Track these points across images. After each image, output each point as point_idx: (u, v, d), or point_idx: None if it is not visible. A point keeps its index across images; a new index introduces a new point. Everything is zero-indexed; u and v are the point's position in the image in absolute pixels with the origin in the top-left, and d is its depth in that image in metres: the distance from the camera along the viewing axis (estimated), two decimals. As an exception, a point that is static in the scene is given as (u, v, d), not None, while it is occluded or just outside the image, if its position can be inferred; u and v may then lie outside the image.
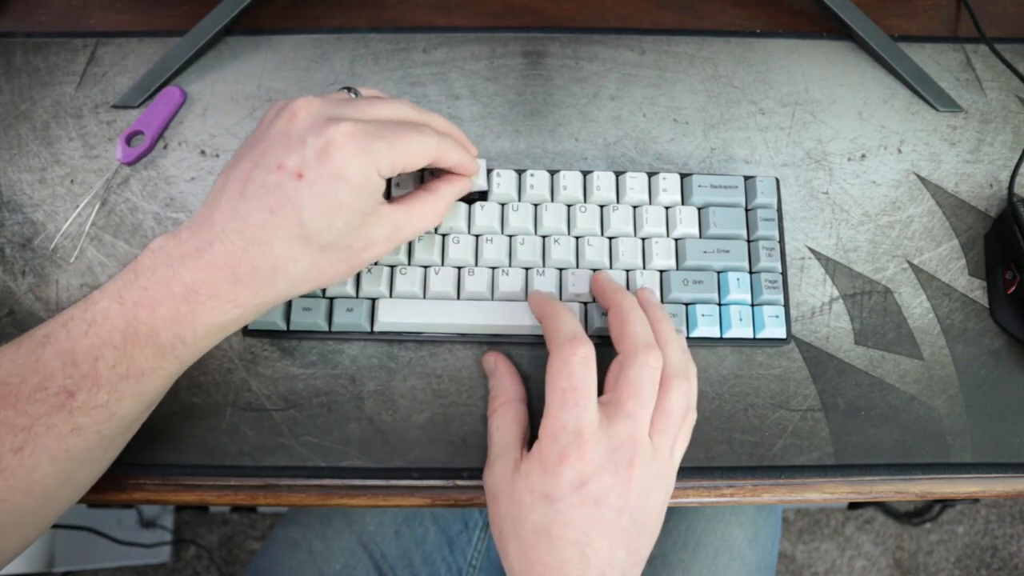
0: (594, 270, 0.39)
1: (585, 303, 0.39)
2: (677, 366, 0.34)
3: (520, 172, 0.41)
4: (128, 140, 0.43)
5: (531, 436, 0.34)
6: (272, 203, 0.30)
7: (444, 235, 0.39)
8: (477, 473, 0.37)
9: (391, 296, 0.38)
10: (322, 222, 0.30)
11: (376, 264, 0.39)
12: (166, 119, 0.44)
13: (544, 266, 0.39)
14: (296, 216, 0.30)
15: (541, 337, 0.38)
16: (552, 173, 0.41)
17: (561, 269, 0.39)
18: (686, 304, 0.39)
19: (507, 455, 0.33)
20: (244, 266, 0.30)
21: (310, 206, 0.30)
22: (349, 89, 0.35)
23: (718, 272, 0.39)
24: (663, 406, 0.33)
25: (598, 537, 0.31)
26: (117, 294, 0.30)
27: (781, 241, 0.40)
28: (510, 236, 0.40)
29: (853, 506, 1.15)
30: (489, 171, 0.41)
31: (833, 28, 0.48)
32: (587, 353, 0.33)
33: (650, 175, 0.41)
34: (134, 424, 0.32)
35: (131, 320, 0.29)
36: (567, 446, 0.31)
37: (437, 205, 0.35)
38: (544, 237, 0.40)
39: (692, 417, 0.35)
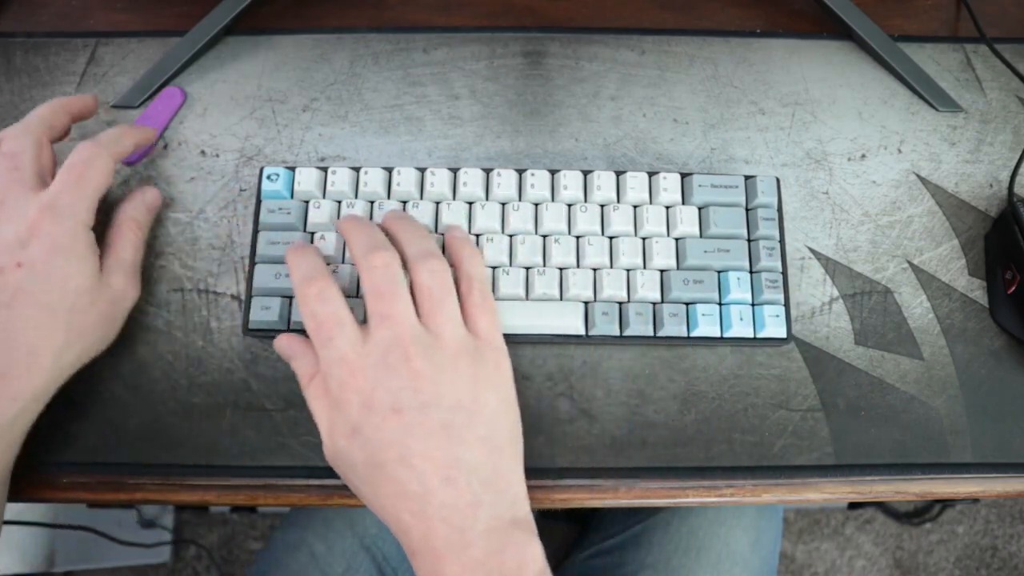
0: (595, 269, 0.39)
1: (585, 302, 0.39)
2: (416, 251, 0.33)
3: (520, 172, 0.41)
4: None
5: None
6: (6, 299, 0.32)
7: (444, 235, 0.39)
8: (477, 473, 0.37)
9: (391, 296, 0.38)
10: (59, 292, 0.33)
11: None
12: (167, 120, 0.44)
13: (544, 266, 0.39)
14: (32, 298, 0.32)
15: (542, 337, 0.38)
16: (552, 173, 0.41)
17: (561, 269, 0.39)
18: (686, 304, 0.39)
19: (327, 425, 0.33)
20: (3, 361, 0.32)
21: (42, 283, 0.32)
22: None
23: (718, 272, 0.39)
24: (417, 291, 0.32)
25: (417, 443, 0.30)
26: None
27: (781, 241, 0.40)
28: (510, 236, 0.40)
29: (853, 506, 1.15)
30: (489, 171, 0.41)
31: (833, 28, 0.48)
32: (321, 287, 0.32)
33: (650, 175, 0.41)
34: None
35: None
36: (340, 375, 0.31)
37: (139, 224, 0.38)
38: (544, 237, 0.40)
39: (478, 287, 0.34)
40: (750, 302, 0.39)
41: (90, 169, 0.35)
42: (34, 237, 0.33)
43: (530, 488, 0.37)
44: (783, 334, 0.38)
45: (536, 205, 0.40)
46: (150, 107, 0.44)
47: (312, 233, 0.39)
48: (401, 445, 0.30)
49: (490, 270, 0.39)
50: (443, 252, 0.37)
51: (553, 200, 0.41)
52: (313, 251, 0.35)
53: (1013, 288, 0.39)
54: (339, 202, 0.40)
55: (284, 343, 0.36)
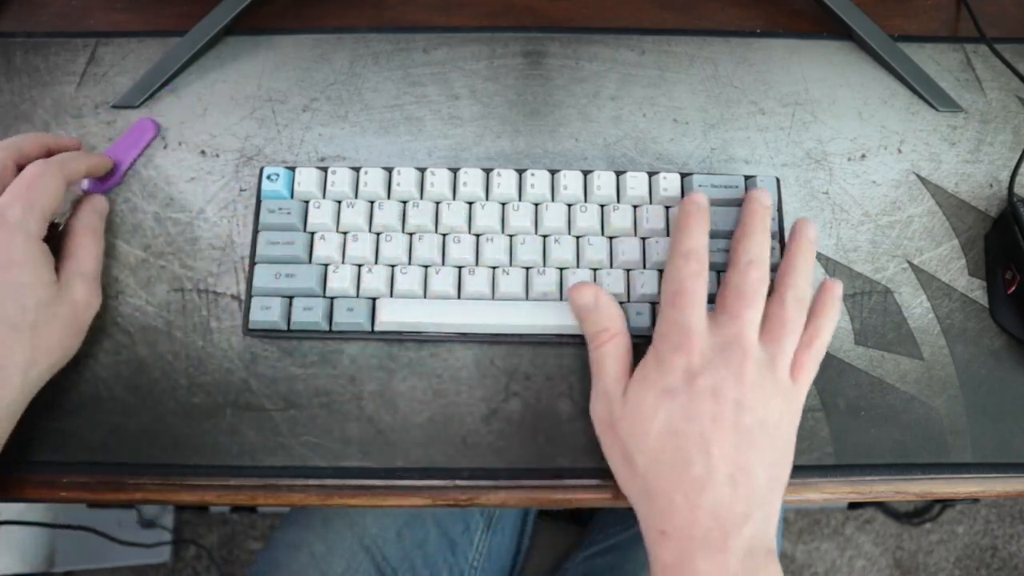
0: (595, 269, 0.39)
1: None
2: (796, 286, 0.34)
3: (520, 172, 0.41)
4: None
5: None
6: None
7: (445, 235, 0.39)
8: (477, 473, 0.37)
9: (391, 295, 0.38)
10: (17, 306, 0.33)
11: (376, 263, 0.39)
12: (138, 152, 0.43)
13: (544, 266, 0.39)
14: None
15: (542, 337, 0.38)
16: (552, 173, 0.41)
17: (562, 269, 0.39)
18: (686, 304, 0.39)
19: (620, 381, 0.34)
20: None
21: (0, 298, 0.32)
22: None
23: (718, 272, 0.39)
24: (772, 312, 0.34)
25: (720, 433, 0.30)
26: None
27: (781, 241, 0.40)
28: (510, 236, 0.40)
29: (853, 506, 1.15)
30: (489, 171, 0.41)
31: (833, 28, 0.48)
32: (699, 269, 0.34)
33: (650, 175, 0.41)
34: None
35: None
36: (678, 339, 0.32)
37: (95, 232, 0.38)
38: (544, 237, 0.40)
39: (819, 345, 0.35)
40: (750, 302, 0.39)
41: (39, 185, 0.35)
42: None
43: (530, 488, 0.37)
44: (783, 334, 0.38)
45: (536, 205, 0.40)
46: (120, 138, 0.43)
47: (312, 233, 0.39)
48: (707, 426, 0.31)
49: (490, 270, 0.39)
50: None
51: (553, 200, 0.41)
52: (706, 231, 0.35)
53: (1013, 288, 0.39)
54: (339, 202, 0.40)
55: (591, 293, 0.36)
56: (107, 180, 0.42)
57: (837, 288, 0.36)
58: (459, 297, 0.38)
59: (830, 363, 0.39)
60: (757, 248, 0.35)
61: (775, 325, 0.33)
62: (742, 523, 0.30)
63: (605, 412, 0.34)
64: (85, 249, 0.37)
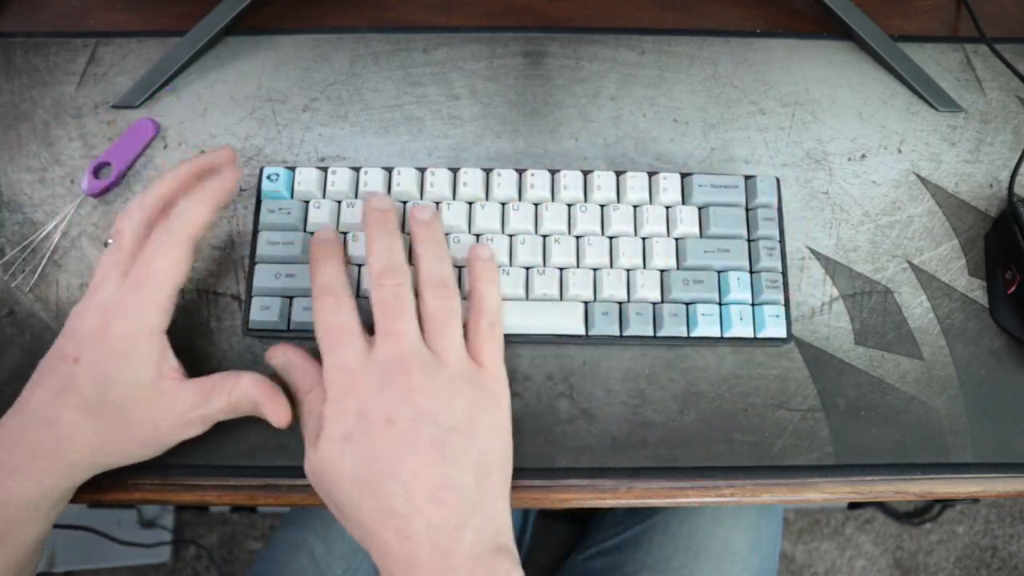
0: (595, 269, 0.39)
1: (585, 302, 0.39)
2: (429, 274, 0.34)
3: (520, 172, 0.41)
4: (96, 171, 0.42)
5: None
6: (57, 386, 0.32)
7: (445, 235, 0.39)
8: (477, 473, 0.37)
9: (391, 296, 0.38)
10: (95, 393, 0.32)
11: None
12: (137, 152, 0.43)
13: (544, 266, 0.39)
14: (77, 393, 0.32)
15: (542, 337, 0.38)
16: (552, 173, 0.41)
17: (561, 269, 0.39)
18: (686, 304, 0.39)
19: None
20: (35, 441, 0.32)
21: (87, 381, 0.32)
22: None
23: (718, 272, 0.39)
24: (422, 311, 0.33)
25: (406, 456, 0.30)
26: None
27: (781, 241, 0.40)
28: (510, 236, 0.40)
29: (853, 506, 1.15)
30: (489, 171, 0.41)
31: (833, 28, 0.48)
32: (335, 300, 0.33)
33: (650, 175, 0.41)
34: None
35: None
36: (342, 382, 0.31)
37: (224, 387, 0.34)
38: (544, 237, 0.40)
39: (489, 314, 0.34)
40: (750, 302, 0.39)
41: (158, 266, 0.33)
42: (100, 337, 0.32)
43: (530, 488, 0.37)
44: (783, 334, 0.38)
45: (536, 205, 0.40)
46: (121, 138, 0.43)
47: (312, 233, 0.39)
48: (392, 457, 0.30)
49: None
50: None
51: (553, 200, 0.41)
52: (337, 261, 0.35)
53: (1013, 288, 0.39)
54: (339, 202, 0.40)
55: (281, 353, 0.35)
56: (106, 181, 0.42)
57: (481, 250, 0.36)
58: (459, 297, 0.38)
59: (830, 363, 0.39)
60: (386, 255, 0.34)
61: (428, 322, 0.33)
62: (460, 534, 0.29)
63: (310, 466, 0.32)
64: (216, 391, 0.34)
